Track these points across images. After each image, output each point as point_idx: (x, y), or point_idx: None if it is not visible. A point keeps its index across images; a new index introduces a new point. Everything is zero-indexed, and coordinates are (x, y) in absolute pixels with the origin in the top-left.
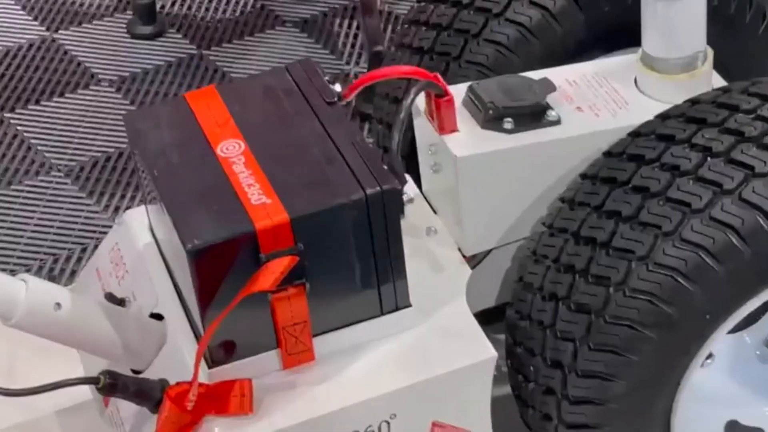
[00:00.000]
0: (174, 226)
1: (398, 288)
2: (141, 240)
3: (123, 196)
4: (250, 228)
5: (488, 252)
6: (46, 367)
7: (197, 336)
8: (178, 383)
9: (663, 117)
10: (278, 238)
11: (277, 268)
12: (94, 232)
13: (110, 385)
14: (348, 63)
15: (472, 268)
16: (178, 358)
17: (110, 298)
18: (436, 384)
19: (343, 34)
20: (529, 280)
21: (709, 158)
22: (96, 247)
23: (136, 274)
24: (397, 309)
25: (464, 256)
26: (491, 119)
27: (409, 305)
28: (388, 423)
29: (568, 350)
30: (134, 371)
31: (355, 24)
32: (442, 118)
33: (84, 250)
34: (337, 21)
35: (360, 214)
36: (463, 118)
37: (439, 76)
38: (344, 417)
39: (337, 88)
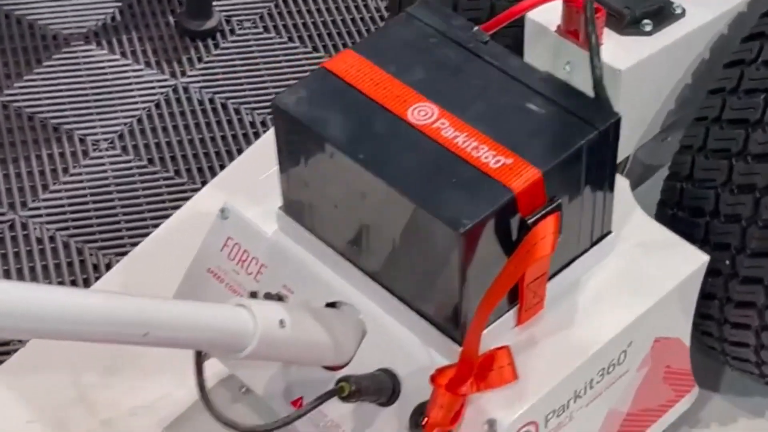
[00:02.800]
0: (424, 210)
1: (606, 215)
2: (267, 228)
3: None
4: (509, 194)
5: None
6: (116, 389)
7: (427, 318)
8: (440, 369)
9: None
10: (534, 197)
11: (547, 229)
12: None
13: (356, 391)
14: None
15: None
16: (393, 346)
17: (268, 297)
18: (665, 301)
19: None
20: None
21: None
22: None
23: (280, 265)
24: (602, 237)
25: None
26: (629, 24)
27: (611, 231)
28: (625, 352)
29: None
30: (329, 369)
31: None
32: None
33: None
34: None
35: (595, 150)
36: None
37: None
38: (597, 360)
39: None
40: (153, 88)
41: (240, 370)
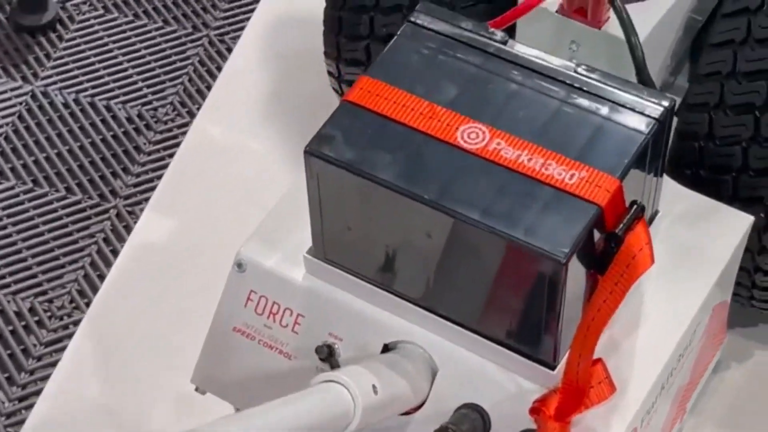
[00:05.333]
0: (513, 241)
1: (658, 195)
2: (296, 275)
3: None
4: (597, 209)
5: None
6: None
7: (506, 345)
8: (541, 399)
9: None
10: (617, 206)
11: (641, 239)
12: None
13: None
14: None
15: None
16: (474, 379)
17: (321, 350)
18: (725, 271)
19: None
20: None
21: None
22: None
23: (320, 312)
24: (653, 218)
25: None
26: None
27: (659, 210)
28: (695, 331)
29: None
30: (403, 414)
31: None
32: (599, 11)
33: None
34: None
35: (656, 141)
36: None
37: None
38: (679, 349)
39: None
40: (9, 99)
41: None
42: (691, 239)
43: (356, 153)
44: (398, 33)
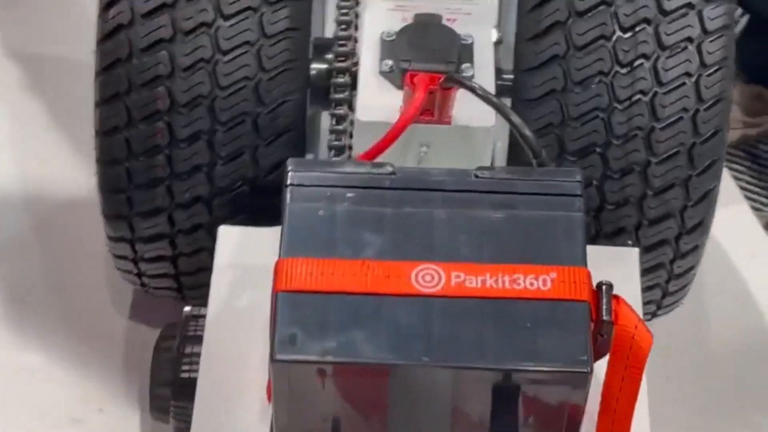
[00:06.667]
0: (533, 369)
1: None
2: None
3: None
4: (586, 306)
5: None
6: None
7: None
8: None
9: None
10: (593, 293)
11: (631, 318)
12: None
13: None
14: None
15: None
16: None
17: None
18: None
19: None
20: None
21: None
22: None
23: None
24: None
25: None
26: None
27: None
28: None
29: None
30: None
31: None
32: (447, 107)
33: None
34: None
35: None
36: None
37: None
38: None
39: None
40: None
41: None
42: None
43: (325, 342)
44: (285, 201)
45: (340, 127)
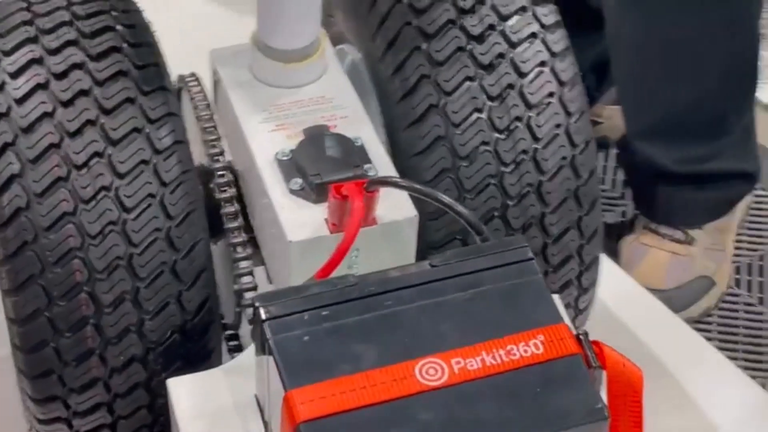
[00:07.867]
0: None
1: None
2: None
3: None
4: (579, 357)
5: None
6: None
7: None
8: None
9: None
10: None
11: (616, 357)
12: None
13: None
14: None
15: None
16: None
17: None
18: None
19: None
20: None
21: None
22: None
23: None
24: None
25: None
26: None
27: None
28: None
29: None
30: None
31: None
32: (372, 209)
33: None
34: None
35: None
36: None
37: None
38: None
39: None
40: None
41: None
42: None
43: None
44: (268, 339)
45: (244, 254)
